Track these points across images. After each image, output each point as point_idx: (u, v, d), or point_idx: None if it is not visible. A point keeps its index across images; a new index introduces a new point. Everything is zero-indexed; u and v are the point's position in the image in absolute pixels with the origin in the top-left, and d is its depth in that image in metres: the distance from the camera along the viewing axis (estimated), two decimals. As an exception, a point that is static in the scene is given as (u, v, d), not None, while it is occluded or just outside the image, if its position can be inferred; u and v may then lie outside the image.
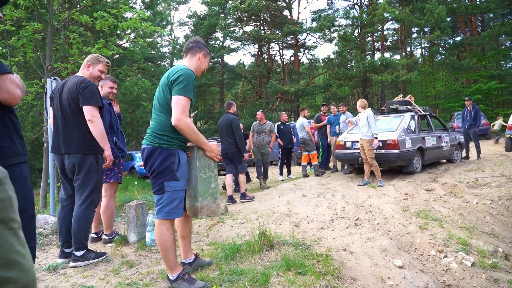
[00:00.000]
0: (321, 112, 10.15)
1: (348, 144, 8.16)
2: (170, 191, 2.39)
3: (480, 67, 23.16)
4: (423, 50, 35.18)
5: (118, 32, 8.44)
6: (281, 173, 9.99)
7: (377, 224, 4.18)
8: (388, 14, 21.86)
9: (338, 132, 9.06)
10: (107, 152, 3.27)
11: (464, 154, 10.10)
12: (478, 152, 9.91)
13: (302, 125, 9.17)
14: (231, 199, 6.55)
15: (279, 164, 10.14)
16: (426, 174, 7.86)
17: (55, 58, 7.99)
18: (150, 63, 26.50)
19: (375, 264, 2.89)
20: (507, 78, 21.01)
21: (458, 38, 26.78)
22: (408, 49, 32.89)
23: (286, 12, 28.60)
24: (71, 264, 3.17)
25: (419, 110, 8.77)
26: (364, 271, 2.78)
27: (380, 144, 7.32)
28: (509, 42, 31.35)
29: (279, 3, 27.46)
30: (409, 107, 8.74)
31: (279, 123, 9.78)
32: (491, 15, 28.19)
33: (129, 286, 2.62)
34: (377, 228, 3.97)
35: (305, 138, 9.10)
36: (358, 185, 7.21)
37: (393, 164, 7.68)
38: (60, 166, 3.27)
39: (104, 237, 3.96)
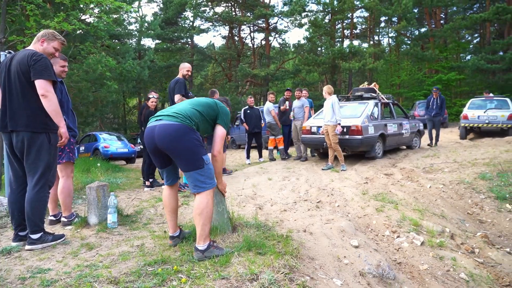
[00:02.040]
0: (285, 97, 10.08)
1: (314, 129, 8.32)
2: (208, 163, 2.69)
3: (441, 58, 24.13)
4: (390, 40, 36.16)
5: (81, 6, 8.02)
6: (248, 157, 10.06)
7: (338, 206, 4.35)
8: (358, 2, 22.15)
9: (293, 118, 9.02)
10: (63, 129, 3.08)
11: (419, 142, 10.49)
12: (437, 140, 10.45)
13: (268, 109, 9.32)
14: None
15: (246, 148, 10.19)
16: (387, 160, 8.20)
17: (10, 30, 7.47)
18: (116, 40, 25.43)
19: (333, 244, 3.02)
20: (466, 70, 22.05)
21: (423, 30, 27.71)
22: (376, 38, 33.63)
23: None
24: (27, 247, 3.05)
25: (382, 98, 9.07)
26: (322, 250, 2.90)
27: (345, 130, 7.54)
28: (468, 36, 32.87)
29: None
30: (373, 94, 9.01)
31: (246, 107, 9.76)
32: (454, 9, 29.30)
33: (88, 268, 2.58)
34: (337, 210, 4.13)
35: (271, 122, 9.30)
36: (322, 169, 7.41)
37: (356, 150, 7.94)
38: (8, 145, 3.09)
39: (63, 219, 3.85)
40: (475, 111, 12.74)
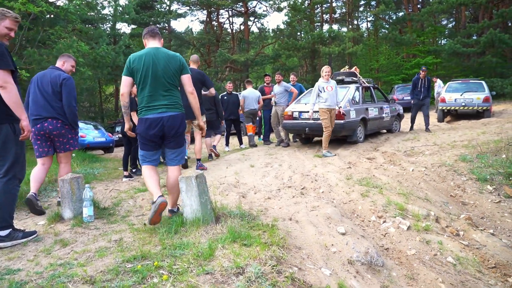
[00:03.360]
0: (265, 84, 9.97)
1: (296, 115, 8.22)
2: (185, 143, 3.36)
3: (418, 42, 24.41)
4: (368, 24, 36.31)
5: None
6: (227, 144, 9.91)
7: (322, 192, 4.28)
8: (337, -15, 21.97)
9: (274, 104, 8.77)
10: (24, 122, 2.83)
11: (399, 126, 10.48)
12: (428, 124, 9.77)
13: (259, 97, 9.40)
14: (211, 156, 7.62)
15: (225, 135, 10.03)
16: (368, 144, 8.22)
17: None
18: (89, 25, 24.38)
19: (320, 232, 2.95)
20: (442, 53, 22.38)
21: (400, 14, 27.85)
22: (355, 22, 33.66)
23: (235, -23, 27.58)
24: None
25: (363, 82, 9.03)
26: (309, 239, 2.83)
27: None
28: (444, 20, 33.38)
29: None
30: (354, 78, 8.96)
31: (224, 93, 9.56)
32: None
33: (61, 267, 2.41)
34: (322, 197, 4.07)
35: (256, 110, 9.30)
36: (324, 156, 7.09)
37: (338, 134, 7.90)
38: None
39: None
40: (452, 94, 12.96)
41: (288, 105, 8.60)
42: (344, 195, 4.10)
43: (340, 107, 7.29)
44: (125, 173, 6.15)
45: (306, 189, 4.44)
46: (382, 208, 3.57)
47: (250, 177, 5.54)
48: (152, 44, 3.24)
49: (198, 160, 6.38)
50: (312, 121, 7.85)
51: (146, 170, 3.23)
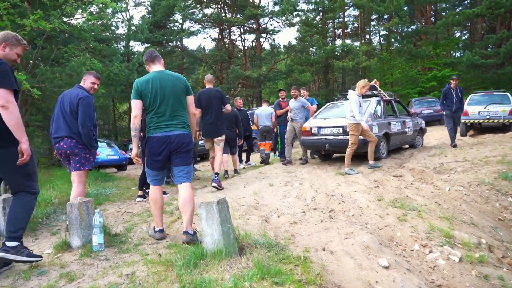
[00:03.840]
0: (280, 99, 9.68)
1: (315, 130, 7.87)
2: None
3: (434, 55, 23.97)
4: (381, 38, 36.05)
5: (63, 7, 7.46)
6: (240, 161, 9.61)
7: (353, 215, 3.89)
8: (349, 0, 21.86)
9: (290, 120, 8.32)
10: (24, 146, 2.67)
11: (422, 141, 9.99)
12: (454, 138, 8.93)
13: (272, 114, 9.31)
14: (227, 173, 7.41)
15: (237, 152, 9.77)
16: (392, 160, 7.79)
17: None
18: (103, 44, 24.75)
19: (359, 266, 2.56)
20: (459, 65, 21.87)
21: (413, 27, 27.50)
22: (367, 36, 33.46)
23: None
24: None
25: (384, 95, 8.67)
26: (348, 274, 2.44)
27: (348, 130, 7.12)
28: (458, 32, 32.89)
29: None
30: (374, 92, 8.61)
31: (234, 109, 9.33)
32: (444, 6, 29.25)
33: (65, 309, 2.08)
34: (354, 221, 3.67)
35: (270, 126, 9.21)
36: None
37: (360, 150, 7.50)
38: None
39: None
40: (475, 107, 12.42)
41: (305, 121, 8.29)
42: (378, 218, 3.69)
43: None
44: (139, 193, 5.86)
45: (335, 212, 4.05)
46: (425, 235, 3.16)
47: (270, 198, 5.18)
48: (154, 68, 3.40)
49: (217, 174, 6.23)
50: (333, 137, 7.51)
51: (152, 192, 3.41)
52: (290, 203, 4.72)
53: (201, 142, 8.50)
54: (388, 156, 8.04)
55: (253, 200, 5.00)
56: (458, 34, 33.69)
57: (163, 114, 3.23)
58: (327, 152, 8.12)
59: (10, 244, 2.70)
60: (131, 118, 3.32)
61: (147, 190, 6.16)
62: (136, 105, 3.26)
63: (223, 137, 6.41)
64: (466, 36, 32.66)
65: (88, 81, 4.09)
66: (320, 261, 2.57)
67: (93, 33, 11.08)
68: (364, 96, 8.55)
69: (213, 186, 6.03)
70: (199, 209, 2.63)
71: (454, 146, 8.75)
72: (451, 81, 8.87)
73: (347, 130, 6.93)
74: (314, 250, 2.80)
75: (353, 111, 6.66)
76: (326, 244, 2.91)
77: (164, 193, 5.88)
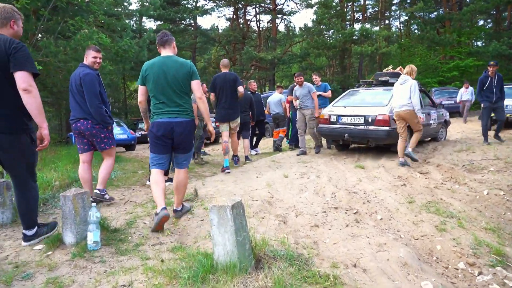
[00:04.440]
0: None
1: (333, 118, 7.36)
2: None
3: (457, 43, 22.84)
4: (400, 24, 34.66)
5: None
6: (251, 148, 9.18)
7: (381, 220, 3.45)
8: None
9: (299, 107, 7.73)
10: (45, 131, 2.69)
11: (445, 134, 9.38)
12: (498, 131, 8.14)
13: (281, 100, 8.98)
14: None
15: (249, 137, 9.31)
16: (415, 154, 7.27)
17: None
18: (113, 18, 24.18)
19: (400, 290, 2.13)
20: (484, 55, 20.82)
21: (435, 13, 26.17)
22: (386, 21, 32.17)
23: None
24: (24, 243, 2.87)
25: (410, 84, 8.05)
26: (388, 302, 2.01)
27: (370, 120, 6.61)
28: (481, 21, 31.32)
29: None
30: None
31: (248, 92, 8.86)
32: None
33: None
34: (384, 228, 3.22)
35: (280, 113, 8.81)
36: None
37: (382, 142, 7.00)
38: None
39: (96, 191, 4.06)
40: (508, 101, 11.65)
41: (320, 109, 7.75)
42: (412, 225, 3.24)
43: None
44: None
45: (360, 214, 3.61)
46: (471, 251, 2.71)
47: (285, 192, 4.76)
48: (164, 52, 3.38)
49: (235, 156, 6.91)
50: (353, 126, 7.00)
51: (153, 175, 3.39)
52: (308, 200, 4.29)
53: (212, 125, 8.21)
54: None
55: (267, 193, 4.58)
56: (481, 23, 32.11)
57: (164, 101, 3.25)
58: (345, 142, 7.62)
59: (30, 232, 2.87)
60: (138, 103, 3.56)
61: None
62: (140, 91, 3.41)
63: (238, 120, 6.46)
64: (489, 25, 31.14)
65: (89, 57, 3.97)
66: (353, 283, 2.15)
67: (105, 8, 10.66)
68: (388, 84, 7.97)
69: (227, 172, 6.15)
70: (210, 213, 2.20)
71: (486, 141, 7.92)
72: (488, 67, 7.87)
73: (393, 118, 6.47)
74: (343, 266, 2.37)
75: (412, 99, 6.15)
76: (357, 259, 2.48)
77: (170, 179, 5.63)
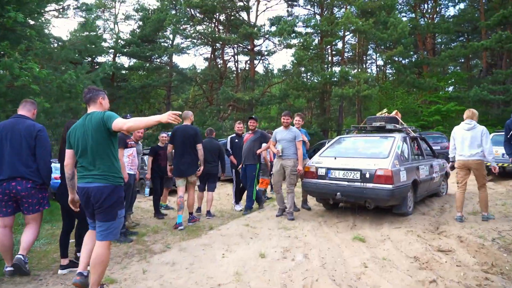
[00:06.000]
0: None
1: (322, 172, 5.96)
2: (120, 217, 3.08)
3: (436, 88, 22.69)
4: (377, 67, 34.98)
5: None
6: (236, 201, 7.58)
7: None
8: (350, 25, 20.57)
9: (280, 154, 6.02)
10: None
11: (446, 187, 8.18)
12: None
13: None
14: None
15: (233, 189, 7.69)
16: (421, 216, 5.92)
17: None
18: (89, 58, 22.82)
19: None
20: (466, 101, 20.53)
21: (415, 57, 26.29)
22: (363, 65, 32.36)
23: (244, 15, 26.48)
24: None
25: (409, 131, 6.86)
26: None
27: (367, 176, 5.26)
28: (458, 67, 31.96)
29: (236, 1, 25.19)
30: (397, 126, 6.79)
31: (233, 135, 7.56)
32: (444, 38, 28.35)
33: None
34: None
35: (261, 162, 7.12)
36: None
37: (383, 204, 5.60)
38: None
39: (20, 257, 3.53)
40: (497, 148, 10.72)
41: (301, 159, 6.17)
42: None
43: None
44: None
45: None
46: None
47: (262, 286, 3.18)
48: (89, 110, 3.13)
49: (191, 213, 6.22)
50: (346, 183, 5.61)
51: (89, 234, 3.20)
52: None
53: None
54: (413, 209, 6.16)
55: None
56: (452, 69, 32.59)
57: (84, 164, 3.02)
58: (336, 201, 6.15)
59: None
60: (64, 166, 3.25)
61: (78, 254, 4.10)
62: (67, 154, 3.15)
63: (194, 177, 6.02)
64: (475, 70, 31.53)
65: (32, 110, 3.88)
66: None
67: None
68: (385, 131, 6.74)
69: (180, 229, 5.69)
70: None
71: None
72: None
73: (446, 170, 5.97)
74: None
75: (485, 147, 5.40)
76: None
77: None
